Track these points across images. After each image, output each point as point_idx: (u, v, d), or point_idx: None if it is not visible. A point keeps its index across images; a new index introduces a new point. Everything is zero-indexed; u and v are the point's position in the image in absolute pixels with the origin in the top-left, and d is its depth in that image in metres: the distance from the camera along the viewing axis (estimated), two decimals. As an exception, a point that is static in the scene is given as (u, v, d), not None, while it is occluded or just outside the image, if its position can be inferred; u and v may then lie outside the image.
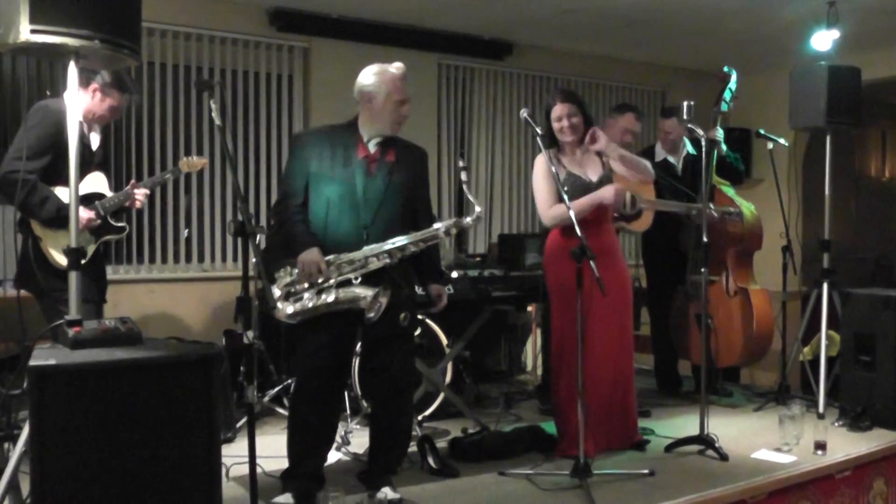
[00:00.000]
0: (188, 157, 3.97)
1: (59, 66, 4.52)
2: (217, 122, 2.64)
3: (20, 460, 2.45)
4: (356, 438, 3.92)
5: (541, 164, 3.77)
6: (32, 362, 2.17)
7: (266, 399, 4.43)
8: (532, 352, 5.92)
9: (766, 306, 4.80)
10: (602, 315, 3.68)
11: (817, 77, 4.55)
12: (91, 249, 3.56)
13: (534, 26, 6.04)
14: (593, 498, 3.16)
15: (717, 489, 3.33)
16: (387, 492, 3.21)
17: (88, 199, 3.52)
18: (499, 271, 4.59)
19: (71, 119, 2.58)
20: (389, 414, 3.34)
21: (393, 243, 3.17)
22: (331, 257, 3.15)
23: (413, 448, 3.62)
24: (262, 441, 3.23)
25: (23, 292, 3.31)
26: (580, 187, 3.75)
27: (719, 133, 4.65)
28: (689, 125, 4.09)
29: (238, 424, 4.01)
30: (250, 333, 2.60)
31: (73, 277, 2.56)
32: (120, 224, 3.69)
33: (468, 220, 3.30)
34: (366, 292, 3.11)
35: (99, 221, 3.55)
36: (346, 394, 4.01)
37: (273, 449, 3.54)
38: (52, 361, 2.18)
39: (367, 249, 3.16)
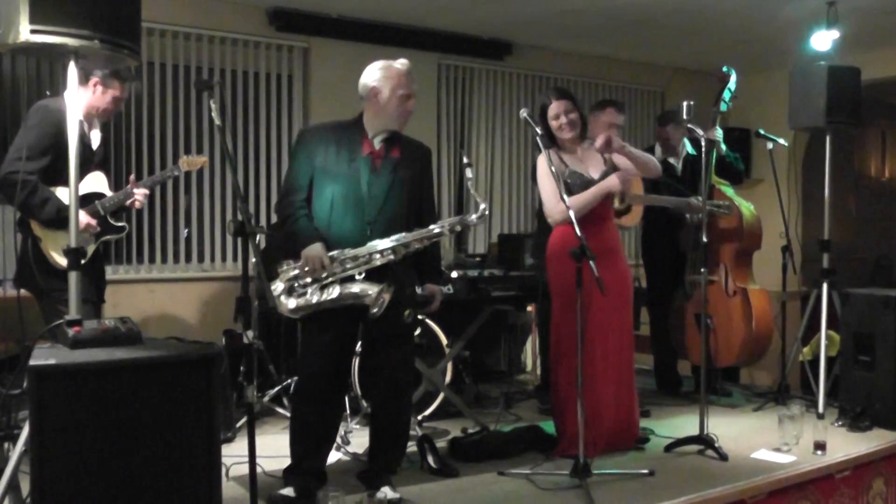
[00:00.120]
0: (188, 156, 3.98)
1: (58, 65, 4.51)
2: (217, 122, 2.63)
3: (20, 460, 2.45)
4: (356, 438, 3.92)
5: (543, 163, 3.77)
6: (32, 362, 2.17)
7: (266, 399, 4.43)
8: (532, 352, 5.92)
9: (766, 306, 4.80)
10: (603, 314, 3.69)
11: (817, 77, 4.55)
12: (91, 249, 3.56)
13: (533, 26, 6.04)
14: (593, 498, 3.16)
15: (716, 489, 3.33)
16: (386, 491, 3.21)
17: (88, 199, 3.52)
18: (498, 271, 4.59)
19: (71, 119, 2.58)
20: (389, 414, 3.34)
21: (397, 240, 3.17)
22: (335, 253, 3.15)
23: (413, 448, 3.62)
24: (261, 441, 3.24)
25: (23, 292, 3.31)
26: (583, 184, 3.76)
27: (718, 133, 4.66)
28: (689, 125, 4.10)
29: (238, 424, 4.01)
30: (250, 333, 2.60)
31: (73, 277, 2.56)
32: (120, 224, 3.69)
33: (473, 217, 3.29)
34: (370, 288, 3.11)
35: (99, 228, 3.56)
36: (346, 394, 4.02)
37: (273, 449, 3.54)
38: (51, 361, 2.18)
39: (371, 245, 3.16)
